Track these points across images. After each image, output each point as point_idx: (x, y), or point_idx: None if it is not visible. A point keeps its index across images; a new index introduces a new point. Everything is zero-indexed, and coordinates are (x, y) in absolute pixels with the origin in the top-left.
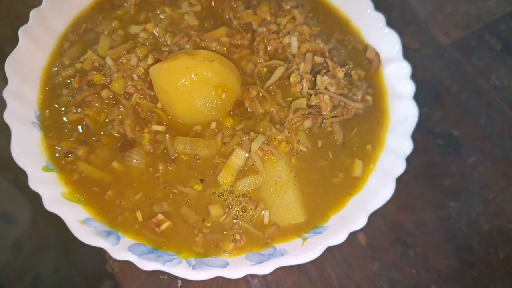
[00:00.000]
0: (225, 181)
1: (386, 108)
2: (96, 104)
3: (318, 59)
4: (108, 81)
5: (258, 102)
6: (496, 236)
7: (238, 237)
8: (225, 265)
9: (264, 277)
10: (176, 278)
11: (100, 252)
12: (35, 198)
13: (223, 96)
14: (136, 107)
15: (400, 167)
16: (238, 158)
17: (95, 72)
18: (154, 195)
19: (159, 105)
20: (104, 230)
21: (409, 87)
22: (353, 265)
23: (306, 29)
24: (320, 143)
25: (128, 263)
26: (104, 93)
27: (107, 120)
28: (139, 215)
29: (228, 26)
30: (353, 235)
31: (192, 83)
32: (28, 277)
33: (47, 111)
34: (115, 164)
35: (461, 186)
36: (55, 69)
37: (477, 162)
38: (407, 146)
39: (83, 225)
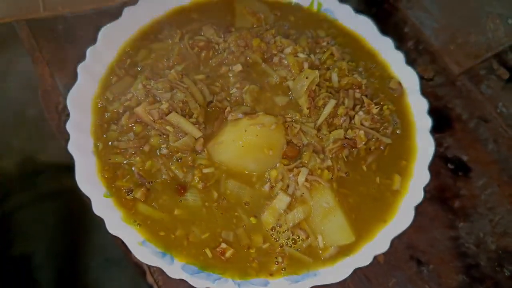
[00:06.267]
0: (267, 222)
1: (413, 139)
2: (137, 158)
3: (357, 95)
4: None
5: (303, 135)
6: (502, 255)
7: (280, 259)
8: (266, 283)
9: None
10: None
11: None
12: None
13: (270, 153)
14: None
15: (419, 196)
16: (281, 202)
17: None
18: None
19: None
20: (159, 251)
21: (427, 122)
22: (372, 281)
23: (344, 64)
24: (358, 170)
25: None
26: (147, 148)
27: (155, 170)
28: (208, 251)
29: None
30: None
31: (242, 152)
32: None
33: (99, 144)
34: (177, 212)
35: (470, 208)
36: (100, 104)
37: (485, 185)
38: (425, 177)
39: (141, 246)
